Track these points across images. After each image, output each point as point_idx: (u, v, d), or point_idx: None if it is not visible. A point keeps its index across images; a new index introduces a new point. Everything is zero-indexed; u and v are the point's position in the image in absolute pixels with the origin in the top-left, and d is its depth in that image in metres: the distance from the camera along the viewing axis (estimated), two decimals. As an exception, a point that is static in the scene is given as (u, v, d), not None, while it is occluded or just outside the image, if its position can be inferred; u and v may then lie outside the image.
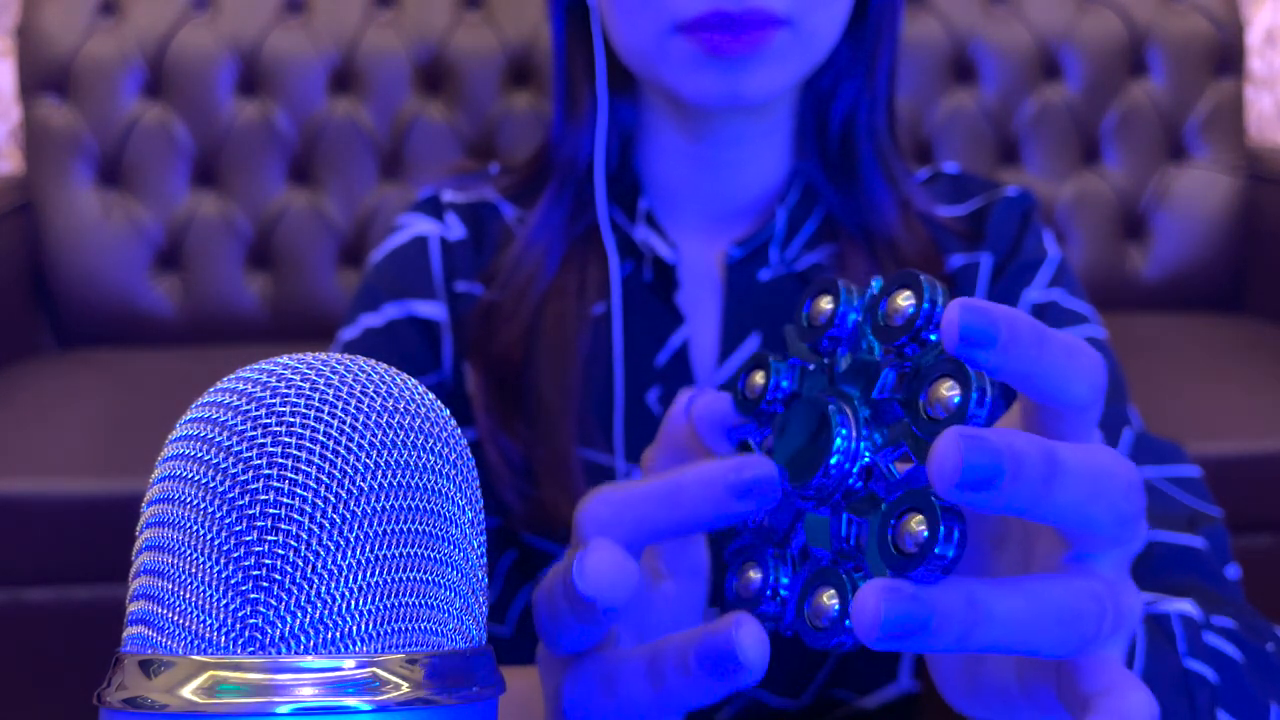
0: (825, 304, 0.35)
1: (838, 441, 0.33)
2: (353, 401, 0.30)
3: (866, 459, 0.33)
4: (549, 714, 0.38)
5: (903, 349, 0.33)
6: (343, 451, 0.29)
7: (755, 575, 0.35)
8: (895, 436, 0.33)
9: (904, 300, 0.33)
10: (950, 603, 0.30)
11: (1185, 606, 0.58)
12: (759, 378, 0.37)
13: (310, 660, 0.28)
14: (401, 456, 0.30)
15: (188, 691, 0.28)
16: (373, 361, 0.32)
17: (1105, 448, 0.32)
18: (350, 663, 0.28)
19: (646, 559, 0.41)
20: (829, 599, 0.33)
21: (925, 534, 0.30)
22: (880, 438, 0.33)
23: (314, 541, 0.29)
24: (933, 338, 0.33)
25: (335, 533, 0.29)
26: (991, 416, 0.31)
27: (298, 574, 0.29)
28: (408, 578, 0.30)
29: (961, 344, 0.30)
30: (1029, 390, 0.32)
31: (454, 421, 0.33)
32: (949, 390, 0.31)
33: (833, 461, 0.33)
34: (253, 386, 0.31)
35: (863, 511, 0.33)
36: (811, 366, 0.36)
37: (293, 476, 0.29)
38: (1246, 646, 0.58)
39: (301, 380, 0.30)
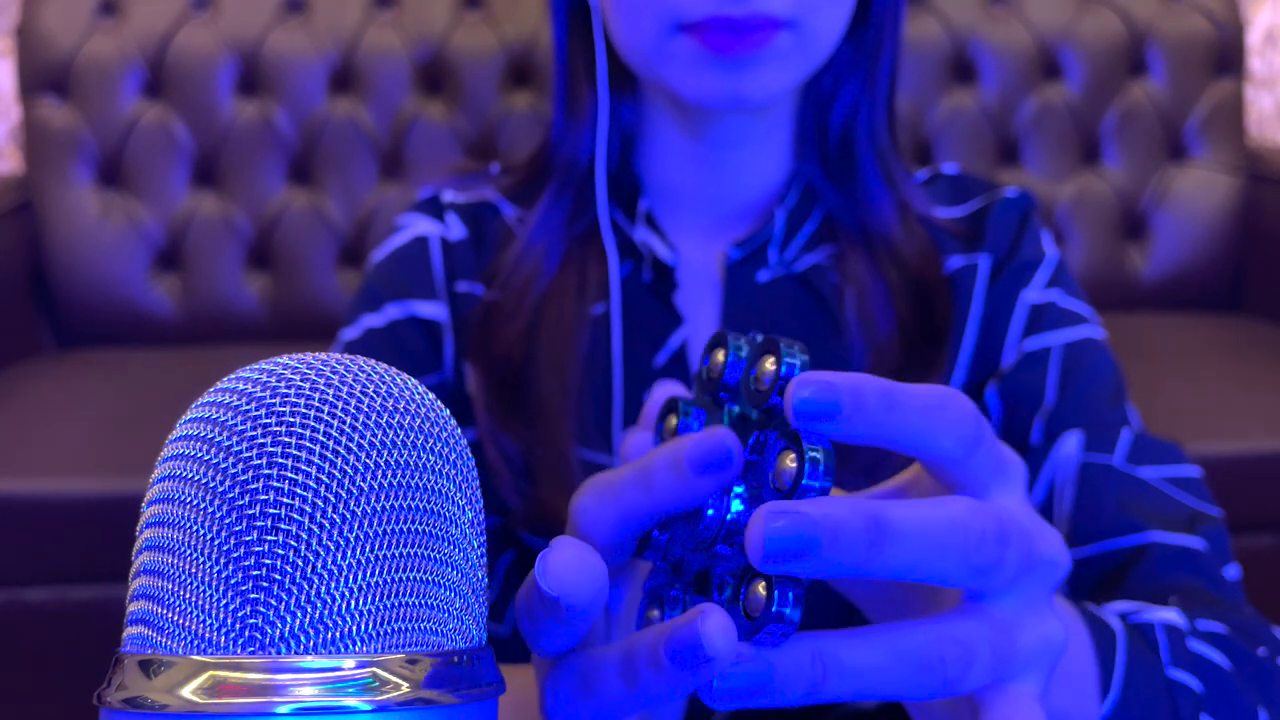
0: (719, 357, 0.37)
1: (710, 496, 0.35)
2: (353, 401, 0.30)
3: (737, 513, 0.35)
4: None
5: (770, 412, 0.35)
6: (343, 451, 0.29)
7: (656, 614, 0.37)
8: (753, 500, 0.35)
9: (769, 365, 0.35)
10: (792, 660, 0.31)
11: (1170, 615, 0.58)
12: (672, 421, 0.39)
13: (310, 660, 0.28)
14: (401, 456, 0.30)
15: (188, 691, 0.28)
16: (373, 361, 0.32)
17: (961, 500, 0.33)
18: (350, 663, 0.28)
19: (635, 577, 0.41)
20: None
21: (763, 599, 0.32)
22: (745, 502, 0.35)
23: (314, 541, 0.29)
24: None
25: (335, 533, 0.29)
26: (826, 486, 0.32)
27: (298, 574, 0.29)
28: (408, 578, 0.30)
29: (799, 419, 0.31)
30: (893, 449, 0.33)
31: (454, 421, 0.33)
32: (790, 463, 0.33)
33: (708, 514, 0.35)
34: (253, 386, 0.31)
35: (728, 571, 0.35)
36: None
37: (293, 476, 0.29)
38: (1235, 652, 0.58)
39: (301, 380, 0.30)
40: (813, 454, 0.32)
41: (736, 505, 0.35)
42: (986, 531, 0.33)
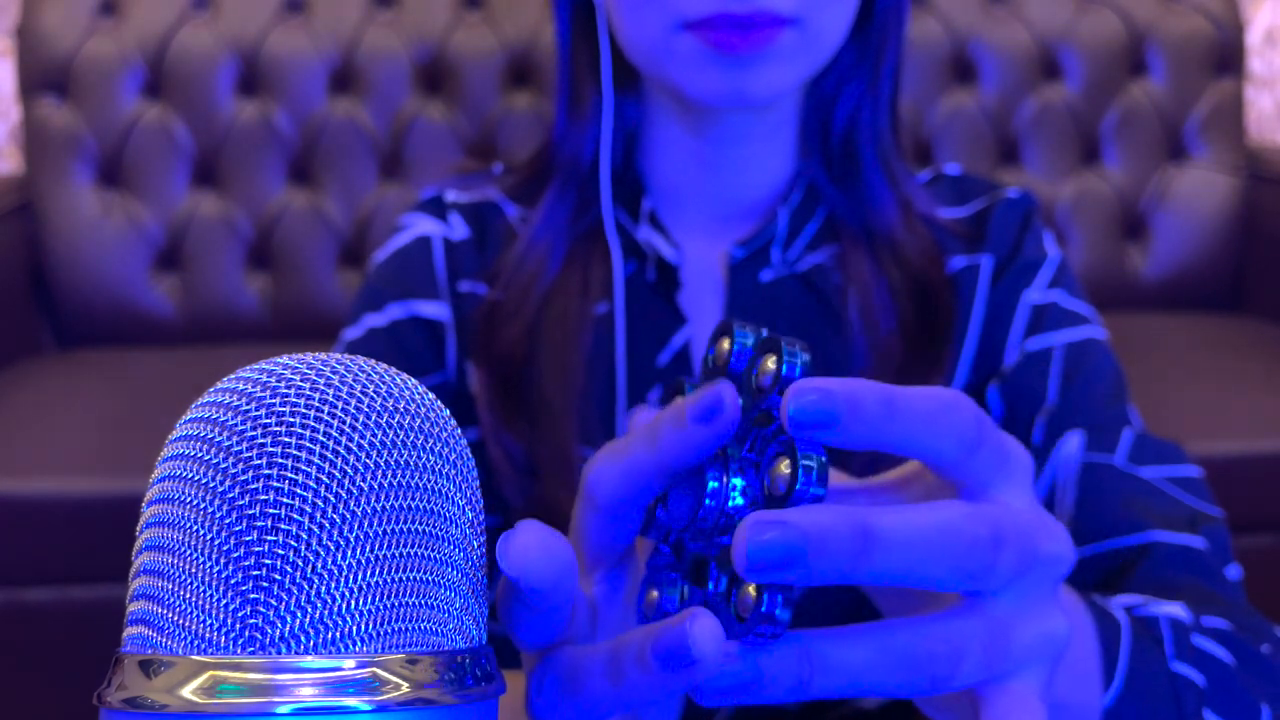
0: (725, 346, 0.37)
1: (710, 485, 0.35)
2: (353, 402, 0.30)
3: (735, 507, 0.35)
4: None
5: (770, 411, 0.34)
6: (342, 451, 0.29)
7: (654, 597, 0.37)
8: (750, 501, 0.34)
9: (771, 364, 0.34)
10: (780, 659, 0.32)
11: (1175, 609, 0.58)
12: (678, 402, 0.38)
13: (310, 660, 0.28)
14: (401, 456, 0.30)
15: (188, 691, 0.28)
16: (373, 361, 0.32)
17: (955, 505, 0.33)
18: (350, 663, 0.28)
19: (634, 572, 0.41)
20: None
21: (753, 601, 0.32)
22: (746, 496, 0.35)
23: (314, 541, 0.29)
24: None
25: (335, 533, 0.29)
26: (819, 494, 0.32)
27: (298, 574, 0.29)
28: (408, 578, 0.30)
29: (795, 429, 0.31)
30: (892, 452, 0.33)
31: (454, 421, 0.33)
32: (785, 469, 0.33)
33: (706, 504, 0.35)
34: (252, 386, 0.30)
35: (724, 565, 0.35)
36: None
37: (292, 476, 0.29)
38: (1238, 648, 0.58)
39: (301, 380, 0.30)
40: (806, 462, 0.32)
41: (737, 499, 0.34)
42: (980, 536, 0.33)
